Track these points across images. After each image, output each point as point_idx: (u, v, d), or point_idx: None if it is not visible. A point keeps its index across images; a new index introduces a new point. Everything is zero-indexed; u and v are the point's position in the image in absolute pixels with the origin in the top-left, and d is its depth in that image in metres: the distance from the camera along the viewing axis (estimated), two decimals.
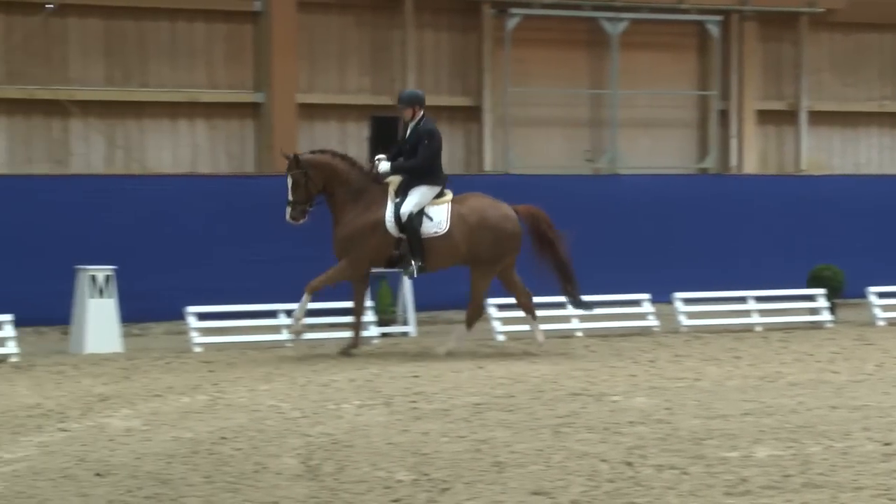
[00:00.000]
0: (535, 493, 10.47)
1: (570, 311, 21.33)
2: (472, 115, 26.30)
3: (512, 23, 25.17)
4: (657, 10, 26.61)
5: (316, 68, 24.56)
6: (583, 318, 21.15)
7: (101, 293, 19.38)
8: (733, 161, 28.79)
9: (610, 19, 26.17)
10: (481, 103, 26.29)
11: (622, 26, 26.03)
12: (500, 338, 20.45)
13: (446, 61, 25.83)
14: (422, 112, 17.80)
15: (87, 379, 17.06)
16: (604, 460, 11.60)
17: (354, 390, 16.23)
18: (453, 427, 13.79)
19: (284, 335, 19.70)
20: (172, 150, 23.65)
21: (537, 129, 27.47)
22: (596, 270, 22.46)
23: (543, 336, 18.34)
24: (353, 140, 24.27)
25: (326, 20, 24.56)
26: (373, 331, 20.21)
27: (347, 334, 20.06)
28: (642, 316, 21.76)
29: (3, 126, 22.41)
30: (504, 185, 24.83)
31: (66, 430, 13.79)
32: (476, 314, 18.47)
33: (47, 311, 20.25)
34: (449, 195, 17.99)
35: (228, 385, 16.71)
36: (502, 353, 19.39)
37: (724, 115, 28.86)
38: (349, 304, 20.34)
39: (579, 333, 20.82)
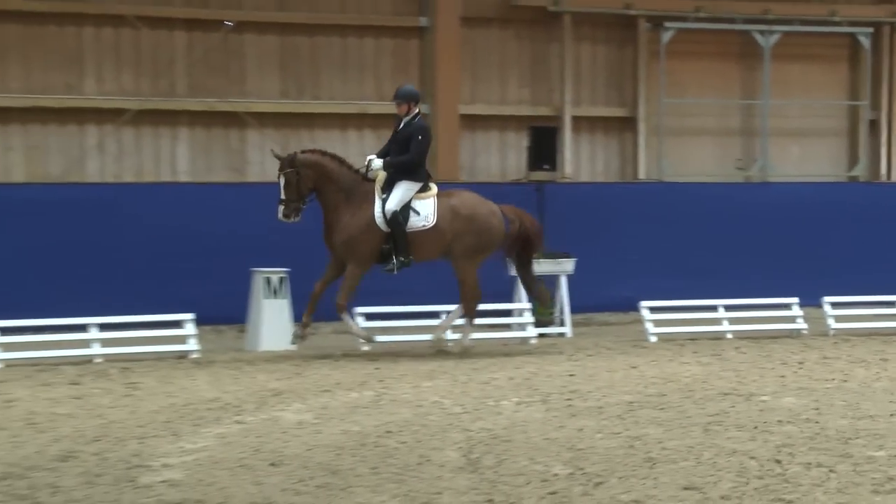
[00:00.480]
0: (686, 489, 10.45)
1: (722, 314, 20.95)
2: (627, 125, 26.05)
3: (666, 36, 24.95)
4: (809, 22, 26.09)
5: (478, 80, 24.42)
6: (733, 321, 20.70)
7: (275, 294, 19.62)
8: (883, 170, 27.89)
9: (762, 32, 25.60)
10: (636, 114, 26.03)
11: (774, 38, 25.54)
12: (653, 339, 20.18)
13: (602, 73, 25.58)
14: (416, 109, 17.66)
15: (262, 375, 17.30)
16: (752, 458, 11.55)
17: (513, 388, 16.19)
18: (607, 424, 13.71)
19: (446, 334, 19.36)
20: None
21: (690, 138, 27.10)
22: (746, 274, 22.32)
23: (470, 341, 18.29)
24: (512, 148, 24.21)
25: (488, 34, 24.43)
26: (531, 331, 20.00)
27: (505, 335, 20.22)
28: (791, 319, 21.32)
29: (185, 137, 22.75)
30: (658, 193, 24.89)
31: (242, 423, 14.02)
32: (474, 303, 18.17)
33: (225, 311, 20.53)
34: (434, 189, 17.89)
35: (393, 382, 16.80)
36: (654, 354, 19.13)
37: (874, 124, 28.16)
38: (507, 305, 20.51)
39: (729, 336, 20.46)
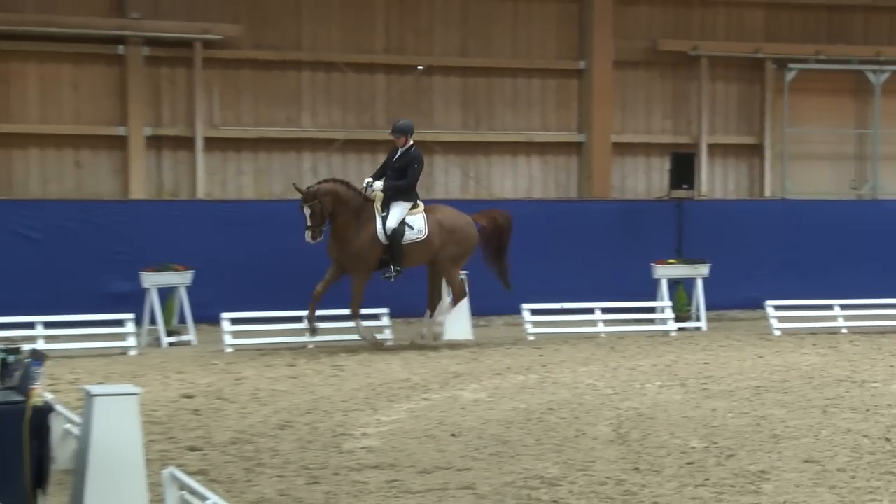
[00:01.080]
0: (807, 461, 10.36)
1: (837, 311, 20.51)
2: (754, 151, 25.58)
3: (790, 76, 24.47)
4: None
5: (627, 113, 24.20)
6: (847, 318, 20.36)
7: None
8: None
9: (874, 71, 24.74)
10: (763, 141, 25.54)
11: (885, 76, 24.61)
12: (777, 333, 19.80)
13: (734, 106, 25.21)
14: (411, 141, 17.45)
15: (445, 360, 17.35)
16: (865, 436, 11.38)
17: (656, 373, 16.11)
18: (737, 405, 13.59)
19: (599, 327, 19.39)
20: (513, 180, 23.74)
21: (809, 162, 26.25)
22: (858, 278, 21.64)
23: (432, 334, 18.03)
24: (656, 171, 24.02)
25: (636, 75, 24.26)
26: (671, 325, 19.77)
27: (649, 328, 19.93)
28: None
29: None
30: (781, 209, 24.44)
31: (428, 400, 14.46)
32: (461, 298, 18.11)
33: (416, 306, 20.13)
34: (421, 206, 17.64)
35: (554, 367, 16.78)
36: (778, 346, 18.74)
37: None
38: (651, 303, 20.24)
39: (844, 330, 20.01)
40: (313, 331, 17.40)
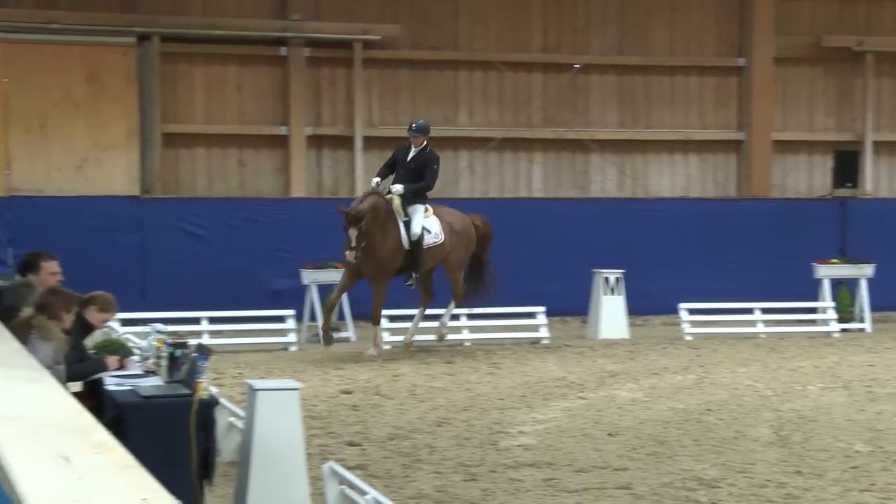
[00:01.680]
0: None
1: None
2: None
3: None
4: None
5: (788, 111, 23.89)
6: None
7: (612, 291, 19.55)
8: None
9: None
10: None
11: None
12: None
13: None
14: (426, 141, 16.73)
15: (601, 359, 17.35)
16: None
17: (818, 375, 15.91)
18: None
19: (759, 328, 19.23)
20: (670, 179, 23.65)
21: None
22: None
23: (439, 335, 17.68)
24: (818, 169, 23.62)
25: (798, 71, 23.93)
26: (833, 326, 19.45)
27: (810, 329, 19.60)
28: None
29: (539, 160, 23.04)
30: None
31: (584, 399, 14.51)
32: (460, 295, 17.70)
33: (570, 305, 20.49)
34: (431, 209, 17.09)
35: (712, 367, 16.71)
36: None
37: None
38: (812, 304, 19.98)
39: None
40: (328, 340, 16.62)
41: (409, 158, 16.37)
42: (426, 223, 16.84)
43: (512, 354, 18.15)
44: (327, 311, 16.74)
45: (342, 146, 22.09)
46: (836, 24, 23.80)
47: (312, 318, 19.10)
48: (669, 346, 18.46)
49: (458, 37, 22.72)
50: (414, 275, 16.68)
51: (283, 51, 21.59)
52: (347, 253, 15.90)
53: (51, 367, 7.24)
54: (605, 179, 23.42)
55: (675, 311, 19.89)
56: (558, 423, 12.78)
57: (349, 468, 9.42)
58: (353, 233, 15.87)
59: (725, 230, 22.08)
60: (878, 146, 24.25)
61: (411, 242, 16.56)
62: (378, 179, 16.64)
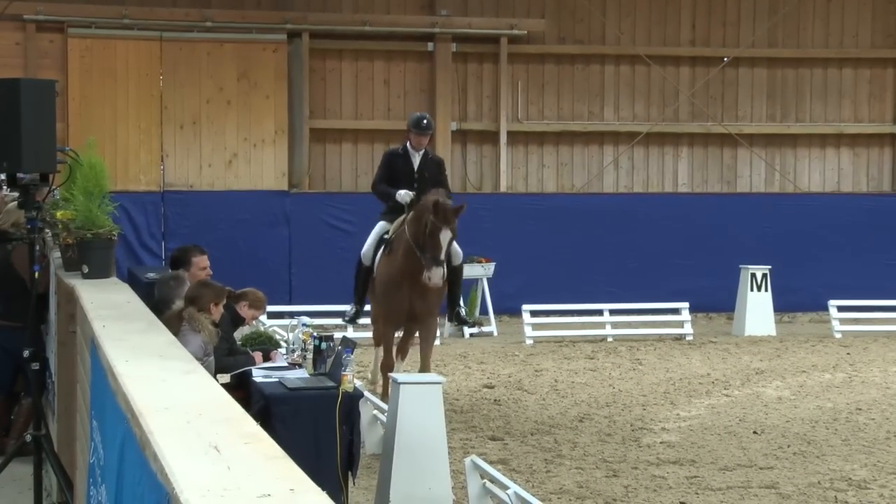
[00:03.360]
0: None
1: None
2: None
3: None
4: None
5: None
6: None
7: (759, 287, 19.41)
8: None
9: None
10: None
11: None
12: None
13: None
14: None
15: (746, 356, 17.28)
16: None
17: None
18: None
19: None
20: (821, 173, 23.35)
21: None
22: None
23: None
24: None
25: None
26: None
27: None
28: None
29: (685, 155, 22.95)
30: None
31: (728, 396, 14.46)
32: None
33: (716, 301, 20.47)
34: None
35: (863, 365, 16.54)
36: None
37: None
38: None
39: None
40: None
41: (416, 166, 12.21)
42: None
43: (655, 350, 18.09)
44: (385, 372, 11.93)
45: (487, 141, 22.20)
46: None
47: None
48: (818, 344, 18.28)
49: (605, 31, 22.69)
50: (464, 306, 12.92)
51: (430, 46, 21.75)
52: (433, 272, 11.09)
53: (201, 358, 7.48)
54: (754, 174, 23.27)
55: (824, 308, 19.70)
56: (702, 421, 12.74)
57: (491, 462, 9.60)
58: (446, 237, 11.28)
59: (879, 226, 21.83)
60: None
61: (452, 267, 12.38)
62: (412, 193, 11.95)
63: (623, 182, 22.87)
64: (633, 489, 9.73)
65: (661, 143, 22.84)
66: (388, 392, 10.90)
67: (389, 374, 10.60)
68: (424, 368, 11.50)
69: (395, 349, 12.24)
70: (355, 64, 21.82)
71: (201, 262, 10.51)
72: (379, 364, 12.25)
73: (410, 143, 11.76)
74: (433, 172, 12.05)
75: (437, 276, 10.93)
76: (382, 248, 11.55)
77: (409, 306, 11.22)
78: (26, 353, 7.88)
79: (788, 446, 11.30)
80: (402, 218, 11.47)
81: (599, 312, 19.47)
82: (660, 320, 19.66)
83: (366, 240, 17.64)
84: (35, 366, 7.89)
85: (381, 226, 11.86)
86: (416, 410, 9.43)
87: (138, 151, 20.39)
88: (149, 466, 3.23)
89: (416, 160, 11.87)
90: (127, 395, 3.97)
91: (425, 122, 12.15)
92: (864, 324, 19.74)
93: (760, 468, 10.48)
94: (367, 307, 12.99)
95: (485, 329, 18.97)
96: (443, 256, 11.06)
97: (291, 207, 20.14)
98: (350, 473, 8.81)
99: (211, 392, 4.33)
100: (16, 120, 7.80)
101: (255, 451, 3.19)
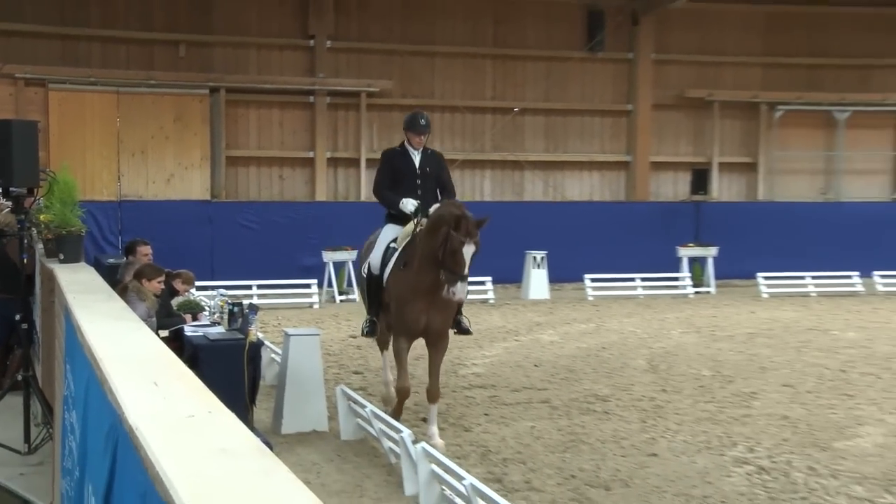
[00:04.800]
0: (784, 385, 10.53)
1: (808, 280, 19.85)
2: (751, 167, 24.67)
3: (778, 115, 23.58)
4: (869, 104, 25.05)
5: (661, 141, 23.43)
6: (816, 285, 19.65)
7: (538, 266, 19.34)
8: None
9: (839, 111, 24.28)
10: (757, 161, 24.48)
11: (846, 115, 23.95)
12: (765, 295, 19.21)
13: (738, 136, 24.32)
14: None
15: (530, 313, 17.13)
16: (827, 368, 11.34)
17: (678, 323, 15.97)
18: (736, 346, 13.52)
19: (639, 291, 18.92)
20: (580, 188, 23.16)
21: (790, 175, 25.15)
22: (821, 255, 21.32)
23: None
24: (681, 182, 23.12)
25: (668, 114, 23.36)
26: (689, 290, 19.21)
27: (674, 292, 19.17)
28: (853, 284, 20.16)
29: (489, 175, 22.56)
30: (773, 208, 23.50)
31: (517, 340, 14.23)
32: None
33: (509, 275, 19.87)
34: None
35: (607, 319, 16.59)
36: (766, 305, 18.15)
37: None
38: (675, 274, 20.08)
39: (813, 294, 19.40)
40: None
41: (417, 164, 8.70)
42: None
43: (469, 310, 17.41)
44: (401, 402, 8.48)
45: (352, 165, 21.77)
46: (694, 81, 23.41)
47: (330, 285, 18.81)
48: (577, 304, 18.27)
49: (433, 89, 22.25)
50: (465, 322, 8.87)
51: (311, 99, 21.11)
52: (458, 287, 7.52)
53: (145, 319, 7.18)
54: (535, 188, 23.00)
55: (581, 280, 19.72)
56: (500, 357, 12.78)
57: (354, 390, 9.55)
58: (469, 251, 7.66)
59: (618, 224, 21.84)
60: (722, 165, 23.90)
61: None
62: (416, 202, 8.30)
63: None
64: (453, 406, 9.73)
65: (472, 167, 22.59)
66: (400, 412, 8.25)
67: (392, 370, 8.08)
68: (434, 385, 8.14)
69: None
70: (258, 111, 21.23)
71: (145, 250, 10.28)
72: (392, 387, 8.81)
73: (409, 143, 8.57)
74: (435, 167, 8.74)
75: (462, 291, 7.63)
76: (393, 259, 8.13)
77: (426, 322, 8.02)
78: (18, 317, 7.76)
79: (557, 374, 11.40)
80: (409, 227, 8.18)
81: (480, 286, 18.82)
82: (471, 289, 18.89)
83: (267, 235, 16.82)
84: (24, 326, 7.73)
85: (388, 232, 8.41)
86: (301, 354, 9.25)
87: (101, 172, 19.62)
88: (106, 398, 3.12)
89: (417, 158, 8.62)
90: (91, 346, 3.84)
91: (423, 121, 8.67)
92: (608, 290, 19.67)
93: (538, 389, 10.57)
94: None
95: (350, 296, 18.23)
96: (467, 271, 7.63)
97: (213, 212, 19.56)
98: (254, 399, 8.72)
99: (153, 344, 4.20)
100: (8, 149, 7.59)
101: (185, 385, 3.10)
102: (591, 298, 19.28)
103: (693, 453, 7.97)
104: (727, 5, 23.35)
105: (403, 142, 8.50)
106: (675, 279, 20.62)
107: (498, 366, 12.24)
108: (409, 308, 7.85)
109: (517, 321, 16.23)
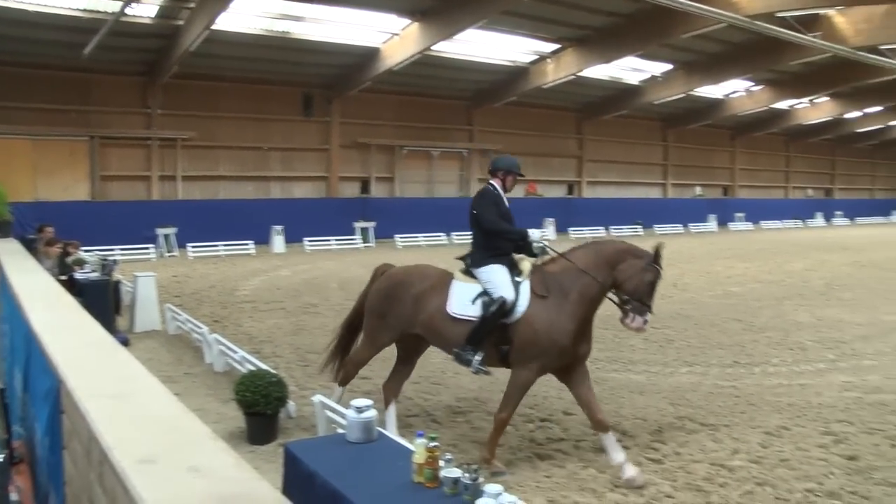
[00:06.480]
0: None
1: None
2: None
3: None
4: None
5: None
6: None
7: (279, 234, 21.93)
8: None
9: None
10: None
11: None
12: (400, 247, 22.08)
13: None
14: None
15: (274, 260, 19.25)
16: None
17: (355, 264, 17.05)
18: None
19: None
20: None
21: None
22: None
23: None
24: None
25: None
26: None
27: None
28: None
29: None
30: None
31: (268, 276, 15.53)
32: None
33: (263, 239, 22.28)
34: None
35: (318, 262, 18.22)
36: (406, 253, 20.54)
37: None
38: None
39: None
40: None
41: (508, 205, 6.69)
42: None
43: (229, 259, 19.43)
44: (495, 439, 6.24)
45: (173, 179, 23.85)
46: (360, 134, 27.22)
47: (159, 247, 21.07)
48: (301, 255, 20.81)
49: (222, 139, 24.81)
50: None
51: (149, 143, 23.68)
52: (647, 317, 6.25)
53: (50, 270, 7.60)
54: (276, 191, 26.06)
55: (302, 242, 23.05)
56: (257, 285, 13.67)
57: (177, 307, 10.48)
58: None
59: (322, 210, 25.42)
60: (377, 178, 28.12)
61: None
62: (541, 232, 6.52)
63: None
64: (232, 312, 11.20)
65: (246, 180, 25.45)
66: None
67: None
68: (598, 411, 6.13)
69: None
70: (123, 150, 24.19)
71: (49, 230, 10.52)
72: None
73: (503, 186, 6.58)
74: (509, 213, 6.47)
75: (643, 322, 6.18)
76: (524, 290, 6.14)
77: (582, 349, 6.27)
78: None
79: (290, 293, 12.84)
80: (532, 261, 6.38)
81: (247, 245, 21.76)
82: (242, 247, 22.17)
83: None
84: None
85: (500, 269, 6.25)
86: (144, 287, 10.05)
87: (25, 185, 21.92)
88: (22, 313, 3.31)
89: (505, 201, 6.64)
90: (12, 284, 4.19)
91: (518, 167, 6.71)
92: (318, 246, 22.98)
93: (279, 300, 12.19)
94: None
95: (172, 253, 20.53)
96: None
97: (92, 207, 22.27)
98: (118, 312, 9.39)
99: (54, 285, 4.62)
100: None
101: (71, 309, 3.48)
102: (308, 251, 22.31)
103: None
104: (379, 95, 27.46)
105: (496, 183, 6.49)
106: (353, 239, 24.52)
107: (257, 290, 13.30)
108: (567, 336, 5.97)
109: (267, 265, 17.80)
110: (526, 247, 6.25)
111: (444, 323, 6.10)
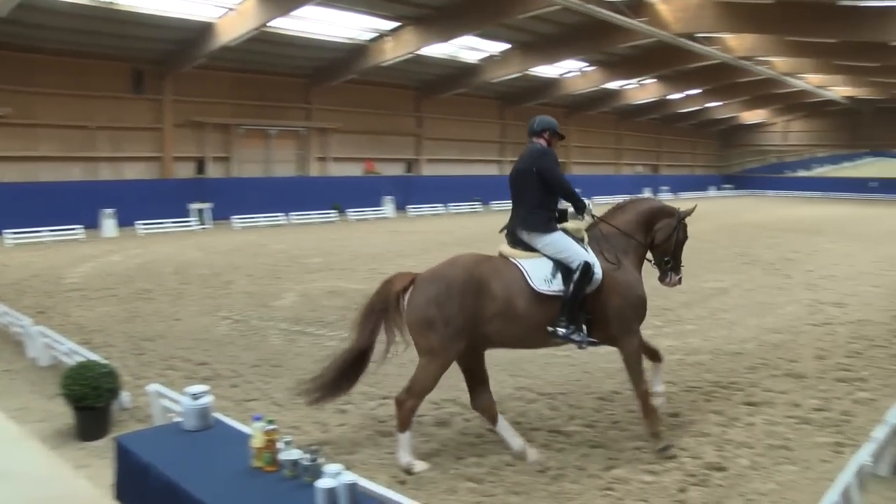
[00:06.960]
0: (248, 275, 11.63)
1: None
2: None
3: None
4: None
5: None
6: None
7: (110, 218, 21.70)
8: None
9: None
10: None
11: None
12: (238, 228, 22.52)
13: None
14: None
15: (104, 245, 18.64)
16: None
17: (190, 246, 17.18)
18: (215, 256, 14.65)
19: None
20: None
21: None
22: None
23: None
24: None
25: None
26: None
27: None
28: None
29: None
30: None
31: (98, 261, 15.36)
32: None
33: (93, 224, 21.78)
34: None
35: (151, 246, 18.06)
36: (244, 234, 20.80)
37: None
38: None
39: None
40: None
41: None
42: None
43: (166, 238, 19.71)
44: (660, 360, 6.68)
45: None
46: (195, 112, 26.67)
47: (88, 228, 20.92)
48: (133, 239, 20.31)
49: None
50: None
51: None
52: (682, 274, 6.66)
53: None
54: (107, 174, 25.05)
55: (134, 225, 22.71)
56: (87, 271, 13.47)
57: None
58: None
59: (156, 191, 24.87)
60: (215, 158, 27.43)
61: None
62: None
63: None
64: (60, 302, 10.87)
65: (118, 161, 24.61)
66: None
67: None
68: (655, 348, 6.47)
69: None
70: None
71: None
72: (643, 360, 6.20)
73: (548, 146, 6.25)
74: None
75: (678, 279, 6.60)
76: (595, 258, 5.97)
77: None
78: None
79: (122, 278, 12.70)
80: (581, 224, 6.20)
81: (74, 231, 21.10)
82: (72, 232, 21.21)
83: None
84: None
85: (564, 235, 6.04)
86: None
87: None
88: None
89: None
90: None
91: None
92: (152, 228, 22.50)
93: (110, 287, 11.98)
94: None
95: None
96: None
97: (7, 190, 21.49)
98: None
99: None
100: None
101: None
102: (142, 235, 21.71)
103: (198, 317, 9.35)
104: (214, 72, 26.45)
105: (546, 143, 6.17)
106: (189, 222, 24.27)
107: (86, 277, 12.92)
108: (645, 294, 6.11)
109: (97, 251, 17.26)
110: (572, 212, 6.12)
111: (530, 304, 5.71)
